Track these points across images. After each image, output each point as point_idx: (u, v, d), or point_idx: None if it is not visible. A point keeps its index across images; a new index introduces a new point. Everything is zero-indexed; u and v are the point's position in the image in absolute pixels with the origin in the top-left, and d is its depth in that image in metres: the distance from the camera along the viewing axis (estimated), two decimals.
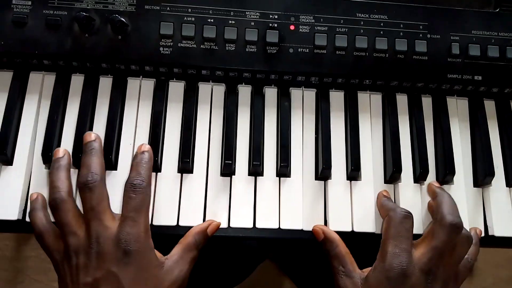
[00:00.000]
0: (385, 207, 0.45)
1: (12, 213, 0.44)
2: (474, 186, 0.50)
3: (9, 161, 0.46)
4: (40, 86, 0.48)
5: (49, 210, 0.43)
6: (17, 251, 1.13)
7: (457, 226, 0.42)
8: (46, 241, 0.42)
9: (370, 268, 0.42)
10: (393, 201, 0.47)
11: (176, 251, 0.42)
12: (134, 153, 0.45)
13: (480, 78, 0.49)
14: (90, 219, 0.40)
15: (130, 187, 0.41)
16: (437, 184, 0.47)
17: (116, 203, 0.44)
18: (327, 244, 0.44)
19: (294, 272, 0.84)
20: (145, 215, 0.40)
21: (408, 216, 0.42)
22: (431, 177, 0.49)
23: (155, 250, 0.41)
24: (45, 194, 0.45)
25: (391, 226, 0.42)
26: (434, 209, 0.44)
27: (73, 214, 0.41)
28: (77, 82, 0.49)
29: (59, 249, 0.41)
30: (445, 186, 0.49)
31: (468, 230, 0.44)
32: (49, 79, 0.49)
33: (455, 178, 0.49)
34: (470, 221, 0.48)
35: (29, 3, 0.46)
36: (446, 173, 0.48)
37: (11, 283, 1.11)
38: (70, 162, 0.44)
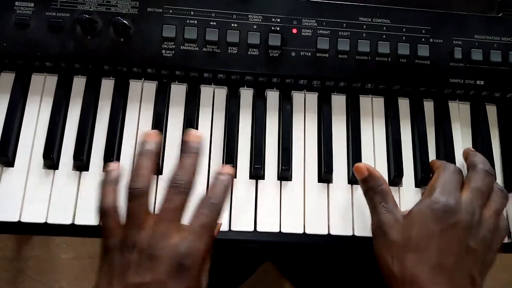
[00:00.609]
0: (437, 164, 0.46)
1: (12, 215, 0.44)
2: None
3: (10, 163, 0.46)
4: (42, 87, 0.49)
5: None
6: (17, 251, 1.13)
7: (490, 171, 0.44)
8: (110, 221, 0.39)
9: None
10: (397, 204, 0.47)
11: None
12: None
13: (482, 82, 0.49)
14: (163, 219, 0.37)
15: (206, 200, 0.39)
16: (472, 150, 0.49)
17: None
18: (371, 181, 0.44)
19: (294, 274, 0.84)
20: (211, 236, 0.39)
21: (460, 170, 0.44)
22: None
23: None
24: (42, 197, 0.45)
25: (443, 173, 0.43)
26: (468, 160, 0.46)
27: (146, 210, 0.38)
28: (79, 84, 0.49)
29: (116, 235, 0.38)
30: None
31: None
32: (51, 81, 0.49)
33: None
34: None
35: (32, 4, 0.46)
36: None
37: (12, 284, 1.11)
38: (159, 153, 0.41)
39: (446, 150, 0.49)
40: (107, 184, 0.40)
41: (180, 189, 0.38)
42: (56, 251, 1.13)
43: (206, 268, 0.39)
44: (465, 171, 0.46)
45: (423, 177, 0.48)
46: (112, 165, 0.41)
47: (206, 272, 0.40)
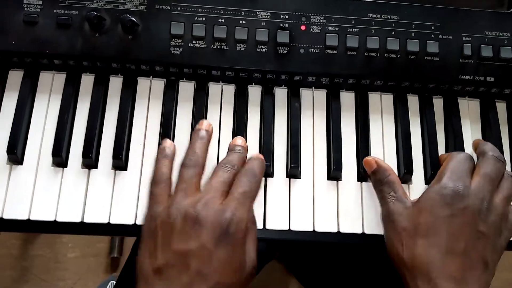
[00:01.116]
0: (445, 155, 0.46)
1: (22, 213, 0.44)
2: None
3: (19, 161, 0.46)
4: (50, 85, 0.48)
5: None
6: (23, 249, 1.13)
7: (500, 157, 0.44)
8: (160, 189, 0.40)
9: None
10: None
11: None
12: (148, 159, 0.44)
13: (492, 79, 0.49)
14: (211, 187, 0.39)
15: (245, 170, 0.41)
16: (482, 140, 0.49)
17: (123, 202, 0.44)
18: (379, 173, 0.44)
19: (301, 272, 0.84)
20: (252, 204, 0.40)
21: (471, 157, 0.44)
22: None
23: None
24: (51, 195, 0.45)
25: (452, 160, 0.43)
26: (478, 148, 0.46)
27: (197, 180, 0.41)
28: (87, 81, 0.49)
29: (162, 203, 0.39)
30: None
31: None
32: (59, 79, 0.49)
33: None
34: None
35: (40, 2, 0.46)
36: None
37: (17, 282, 1.11)
38: (210, 138, 0.45)
39: (455, 147, 0.49)
40: (163, 157, 0.42)
41: (227, 167, 0.41)
42: (62, 249, 1.13)
43: (252, 238, 0.40)
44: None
45: (433, 174, 0.48)
46: (168, 142, 0.44)
47: (253, 243, 0.40)
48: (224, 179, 0.40)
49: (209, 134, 0.44)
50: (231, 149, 0.44)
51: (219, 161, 0.42)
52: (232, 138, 0.48)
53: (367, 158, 0.46)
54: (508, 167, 0.50)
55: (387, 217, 0.43)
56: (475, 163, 0.44)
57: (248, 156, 0.44)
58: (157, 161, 0.43)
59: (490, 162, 0.43)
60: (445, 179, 0.41)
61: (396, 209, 0.42)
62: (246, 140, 0.48)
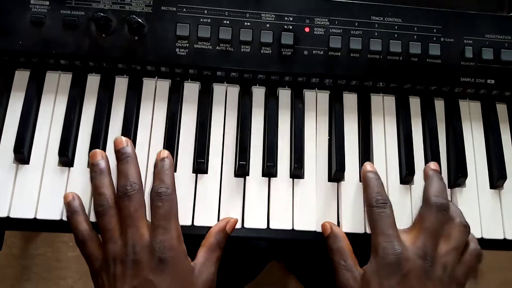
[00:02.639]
0: (366, 195, 0.45)
1: (28, 212, 0.45)
2: (491, 188, 0.50)
3: (25, 160, 0.46)
4: (57, 85, 0.49)
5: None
6: (24, 248, 1.13)
7: (442, 206, 0.42)
8: (90, 248, 0.42)
9: None
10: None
11: (201, 254, 0.43)
12: (153, 159, 0.45)
13: (493, 82, 0.50)
14: (127, 226, 0.40)
15: (155, 196, 0.41)
16: (433, 166, 0.47)
17: None
18: (331, 239, 0.44)
19: (300, 271, 0.84)
20: (175, 221, 0.41)
21: (384, 204, 0.43)
22: (444, 179, 0.49)
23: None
24: (57, 194, 0.45)
25: (373, 219, 0.42)
26: (423, 197, 0.45)
27: (117, 220, 0.41)
28: (93, 82, 0.49)
29: (98, 258, 0.41)
30: (457, 189, 0.49)
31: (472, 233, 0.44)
32: (66, 79, 0.49)
33: (468, 181, 0.49)
34: (486, 225, 0.48)
35: (47, 3, 0.47)
36: (458, 176, 0.49)
37: (18, 280, 1.12)
38: (109, 165, 0.44)
39: (456, 149, 0.50)
40: (74, 214, 0.43)
41: (128, 194, 0.41)
42: (62, 248, 1.13)
43: (183, 247, 0.41)
44: (479, 174, 0.46)
45: None
46: (97, 155, 0.44)
47: (184, 250, 0.41)
48: (134, 209, 0.41)
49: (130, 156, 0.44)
50: (119, 157, 0.44)
51: (117, 188, 0.42)
52: (237, 139, 0.49)
53: (324, 222, 0.46)
54: (510, 168, 0.50)
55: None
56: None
57: (156, 159, 0.44)
58: (93, 179, 0.43)
59: (432, 213, 0.42)
60: (381, 248, 0.41)
61: (345, 281, 0.42)
62: (250, 140, 0.48)
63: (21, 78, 0.48)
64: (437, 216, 0.42)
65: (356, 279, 0.42)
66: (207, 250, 0.43)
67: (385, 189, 0.48)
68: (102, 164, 0.43)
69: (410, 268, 0.40)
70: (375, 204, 0.43)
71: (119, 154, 0.43)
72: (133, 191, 0.41)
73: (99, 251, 0.42)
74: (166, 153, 0.44)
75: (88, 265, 0.42)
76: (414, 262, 0.40)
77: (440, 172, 0.47)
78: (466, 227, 0.43)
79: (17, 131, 0.46)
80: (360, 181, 0.48)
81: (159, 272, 0.39)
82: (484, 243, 0.48)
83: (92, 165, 0.44)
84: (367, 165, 0.46)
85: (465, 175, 0.48)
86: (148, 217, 0.42)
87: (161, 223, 0.40)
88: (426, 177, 0.47)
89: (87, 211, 0.44)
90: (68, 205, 0.43)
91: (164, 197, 0.41)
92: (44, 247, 1.13)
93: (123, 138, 0.44)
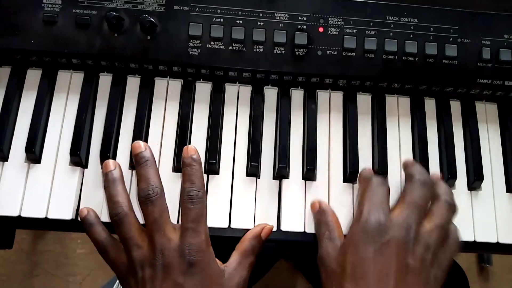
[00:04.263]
0: (361, 177, 0.44)
1: (39, 211, 0.45)
2: (507, 191, 0.49)
3: (37, 160, 0.46)
4: (68, 85, 0.49)
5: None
6: (33, 245, 1.14)
7: (425, 181, 0.41)
8: (111, 255, 0.42)
9: None
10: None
11: (234, 258, 0.42)
12: (165, 159, 0.45)
13: (510, 83, 0.49)
14: (153, 231, 0.40)
15: (187, 199, 0.40)
16: (411, 160, 0.46)
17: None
18: (319, 213, 0.44)
19: (309, 271, 0.84)
20: (204, 224, 0.41)
21: (384, 182, 0.42)
22: (459, 182, 0.48)
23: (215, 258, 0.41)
24: (69, 194, 0.45)
25: (367, 190, 0.41)
26: (405, 179, 0.43)
27: (136, 227, 0.41)
28: (105, 81, 0.49)
29: (123, 263, 0.41)
30: (473, 192, 0.48)
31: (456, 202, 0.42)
32: (77, 78, 0.49)
33: (484, 184, 0.48)
34: (502, 229, 0.47)
35: (60, 2, 0.46)
36: (474, 179, 0.48)
37: (28, 277, 1.12)
38: (122, 173, 0.44)
39: (472, 152, 0.49)
40: (91, 227, 0.43)
41: (151, 198, 0.40)
42: (71, 245, 1.14)
43: (211, 250, 0.41)
44: (496, 177, 0.45)
45: (449, 178, 0.48)
46: (110, 163, 0.44)
47: (212, 253, 0.41)
48: (159, 213, 0.40)
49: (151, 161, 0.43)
50: (138, 161, 0.43)
51: (138, 192, 0.42)
52: (249, 140, 0.48)
53: (313, 200, 0.45)
54: None
55: (319, 259, 0.41)
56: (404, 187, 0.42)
57: (183, 157, 0.42)
58: (107, 188, 0.43)
59: (416, 188, 0.41)
60: (364, 213, 0.39)
61: (326, 251, 0.41)
62: (262, 141, 0.48)
63: (33, 77, 0.48)
64: (421, 190, 0.41)
65: (335, 248, 0.40)
66: (241, 255, 0.42)
67: (397, 191, 0.47)
68: (115, 173, 0.43)
69: (392, 237, 0.38)
70: (377, 179, 0.42)
71: (138, 158, 0.43)
72: (155, 195, 0.40)
73: (122, 257, 0.41)
74: (193, 150, 0.43)
75: (115, 271, 0.42)
76: (397, 231, 0.38)
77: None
78: (451, 206, 0.41)
79: (29, 130, 0.46)
80: None
81: (189, 275, 0.38)
82: (500, 247, 0.47)
83: (105, 175, 0.43)
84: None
85: (481, 178, 0.48)
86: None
87: (191, 225, 0.39)
88: (405, 165, 0.45)
89: (99, 212, 0.44)
90: (84, 220, 0.43)
91: (195, 200, 0.40)
92: (54, 244, 1.14)
93: (141, 143, 0.43)
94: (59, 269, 1.13)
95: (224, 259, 0.43)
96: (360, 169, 0.47)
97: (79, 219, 0.44)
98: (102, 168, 0.44)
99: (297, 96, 0.50)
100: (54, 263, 1.13)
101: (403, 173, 0.48)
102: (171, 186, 0.45)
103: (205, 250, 0.40)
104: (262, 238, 0.43)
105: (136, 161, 0.43)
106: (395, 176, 0.48)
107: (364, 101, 0.50)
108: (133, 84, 0.49)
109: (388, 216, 0.39)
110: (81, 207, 0.45)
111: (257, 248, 0.43)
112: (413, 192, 0.41)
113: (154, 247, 0.39)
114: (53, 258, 1.13)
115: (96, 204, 0.45)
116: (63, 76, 0.49)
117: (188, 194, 0.40)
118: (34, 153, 0.45)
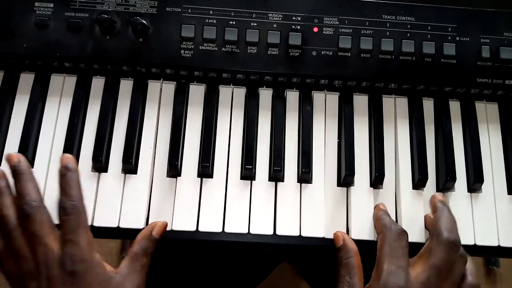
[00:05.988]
0: (381, 222, 0.43)
1: None
2: (509, 193, 0.48)
3: (30, 163, 0.46)
4: (61, 88, 0.48)
5: None
6: None
7: (455, 243, 0.40)
8: (5, 266, 0.41)
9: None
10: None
11: (124, 263, 0.42)
12: (159, 161, 0.44)
13: (511, 82, 0.47)
14: (35, 244, 0.40)
15: (61, 211, 0.40)
16: (440, 197, 0.45)
17: (132, 205, 0.44)
18: (342, 251, 0.43)
19: (311, 275, 0.83)
20: (84, 232, 0.40)
21: (403, 233, 0.41)
22: (459, 184, 0.47)
23: (104, 264, 0.41)
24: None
25: (386, 244, 0.41)
26: (432, 225, 0.43)
27: (24, 238, 0.40)
28: (98, 84, 0.48)
29: (16, 274, 0.40)
30: (473, 195, 0.47)
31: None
32: (70, 81, 0.49)
33: (485, 186, 0.47)
34: (503, 232, 0.46)
35: (51, 5, 0.46)
36: (474, 181, 0.47)
37: None
38: (8, 183, 0.42)
39: (472, 153, 0.47)
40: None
41: (28, 213, 0.40)
42: None
43: (97, 256, 0.40)
44: (496, 179, 0.44)
45: (448, 180, 0.46)
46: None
47: (97, 260, 0.40)
48: (39, 223, 0.40)
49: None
50: (14, 175, 0.41)
51: (18, 204, 0.40)
52: (243, 142, 0.47)
53: (337, 232, 0.44)
54: None
55: None
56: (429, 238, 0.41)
57: (59, 167, 0.41)
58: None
59: (443, 250, 0.40)
60: (384, 275, 0.39)
61: None
62: (256, 144, 0.47)
63: (26, 81, 0.48)
64: (448, 253, 0.40)
65: None
66: (130, 259, 0.42)
67: (397, 194, 0.47)
68: (1, 183, 0.41)
69: None
70: (395, 230, 0.41)
71: (12, 172, 0.42)
72: (32, 209, 0.40)
73: (15, 268, 0.40)
74: (69, 158, 0.42)
75: (8, 281, 0.41)
76: None
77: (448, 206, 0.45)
78: (464, 258, 0.41)
79: (21, 134, 0.46)
80: (371, 186, 0.47)
81: (71, 285, 0.38)
82: (501, 251, 0.46)
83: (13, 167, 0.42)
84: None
85: (481, 180, 0.46)
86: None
87: (69, 237, 0.39)
88: (434, 209, 0.44)
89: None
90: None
91: (69, 211, 0.40)
92: None
93: (14, 154, 0.42)
94: None
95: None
96: (356, 172, 0.46)
97: None
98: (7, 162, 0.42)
99: (292, 97, 0.49)
100: None
101: (401, 175, 0.47)
102: (167, 192, 0.45)
103: (88, 258, 0.39)
104: (155, 237, 0.43)
105: (12, 174, 0.42)
106: (393, 178, 0.47)
107: (360, 102, 0.49)
108: (126, 87, 0.48)
109: (407, 277, 0.39)
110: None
111: (149, 249, 0.42)
112: (439, 254, 0.40)
113: (38, 260, 0.39)
114: None
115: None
116: (56, 80, 0.49)
117: (62, 207, 0.40)
118: (26, 157, 0.45)
